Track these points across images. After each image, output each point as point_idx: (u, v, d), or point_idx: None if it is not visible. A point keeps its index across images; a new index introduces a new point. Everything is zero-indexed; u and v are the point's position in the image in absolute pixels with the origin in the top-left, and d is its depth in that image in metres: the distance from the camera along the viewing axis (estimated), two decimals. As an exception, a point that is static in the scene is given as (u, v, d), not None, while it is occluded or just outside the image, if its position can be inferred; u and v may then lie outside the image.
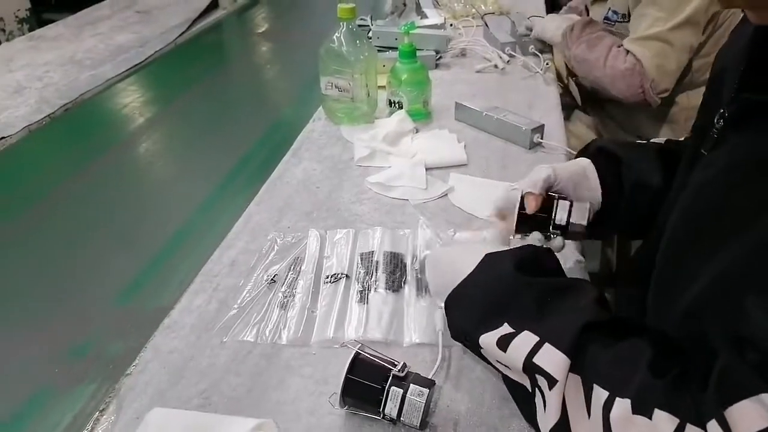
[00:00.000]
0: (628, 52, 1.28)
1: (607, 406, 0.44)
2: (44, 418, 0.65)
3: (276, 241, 0.83)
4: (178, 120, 1.47)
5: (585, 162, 0.71)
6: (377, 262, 0.78)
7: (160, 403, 0.60)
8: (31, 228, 1.01)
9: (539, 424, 0.50)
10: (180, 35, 1.97)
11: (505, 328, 0.51)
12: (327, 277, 0.76)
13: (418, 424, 0.55)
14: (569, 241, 0.74)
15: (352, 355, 0.57)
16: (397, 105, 1.16)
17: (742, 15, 0.57)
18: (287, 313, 0.70)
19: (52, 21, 2.16)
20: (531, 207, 0.65)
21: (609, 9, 1.42)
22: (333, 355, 0.65)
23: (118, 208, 1.09)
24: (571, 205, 0.65)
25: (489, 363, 0.56)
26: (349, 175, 1.01)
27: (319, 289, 0.74)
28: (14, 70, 1.64)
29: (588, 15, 1.58)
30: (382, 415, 0.56)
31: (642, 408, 0.43)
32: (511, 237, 0.68)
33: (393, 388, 0.55)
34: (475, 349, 0.55)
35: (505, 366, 0.52)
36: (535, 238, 0.66)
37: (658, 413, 0.42)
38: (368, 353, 0.58)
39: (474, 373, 0.62)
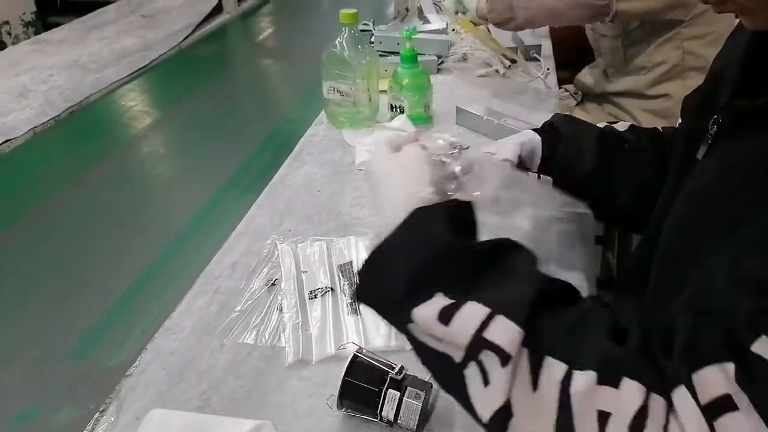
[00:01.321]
0: None
1: (566, 381, 0.41)
2: (44, 419, 0.66)
3: (276, 244, 0.84)
4: (181, 123, 1.48)
5: (535, 136, 0.79)
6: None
7: (159, 404, 0.60)
8: (35, 229, 1.02)
9: (474, 403, 0.43)
10: (184, 39, 1.99)
11: (441, 299, 0.44)
12: (311, 293, 0.75)
13: (415, 427, 0.55)
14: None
15: (350, 358, 0.58)
16: (398, 109, 1.17)
17: (737, 20, 0.58)
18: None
19: (57, 24, 2.18)
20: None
21: None
22: (331, 358, 0.66)
23: (121, 210, 1.09)
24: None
25: (408, 337, 0.47)
26: (350, 179, 1.02)
27: (306, 305, 0.73)
28: (19, 74, 1.65)
29: None
30: (379, 418, 0.56)
31: (608, 378, 0.40)
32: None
33: (390, 390, 0.56)
34: (399, 322, 0.47)
35: (436, 339, 0.44)
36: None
37: (626, 382, 0.40)
38: (366, 356, 0.59)
39: (471, 377, 0.63)
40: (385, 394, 0.56)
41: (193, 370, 0.65)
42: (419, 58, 1.16)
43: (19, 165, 1.23)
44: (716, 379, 0.38)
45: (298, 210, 0.93)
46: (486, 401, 0.42)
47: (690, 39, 1.29)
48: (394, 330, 0.58)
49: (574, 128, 0.79)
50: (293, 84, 1.74)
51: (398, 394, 0.56)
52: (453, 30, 1.68)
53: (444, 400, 0.60)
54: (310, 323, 0.70)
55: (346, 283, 0.76)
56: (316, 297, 0.74)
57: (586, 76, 1.59)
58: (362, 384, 0.56)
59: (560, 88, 1.54)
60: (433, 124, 1.20)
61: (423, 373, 0.61)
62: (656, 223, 0.62)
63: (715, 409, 0.37)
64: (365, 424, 0.58)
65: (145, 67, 1.76)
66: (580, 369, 0.41)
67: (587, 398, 0.40)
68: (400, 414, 0.55)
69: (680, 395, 0.39)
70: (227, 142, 1.34)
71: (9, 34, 3.19)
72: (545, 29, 1.71)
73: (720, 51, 0.63)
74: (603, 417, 0.39)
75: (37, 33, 3.07)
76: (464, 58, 1.53)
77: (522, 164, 0.75)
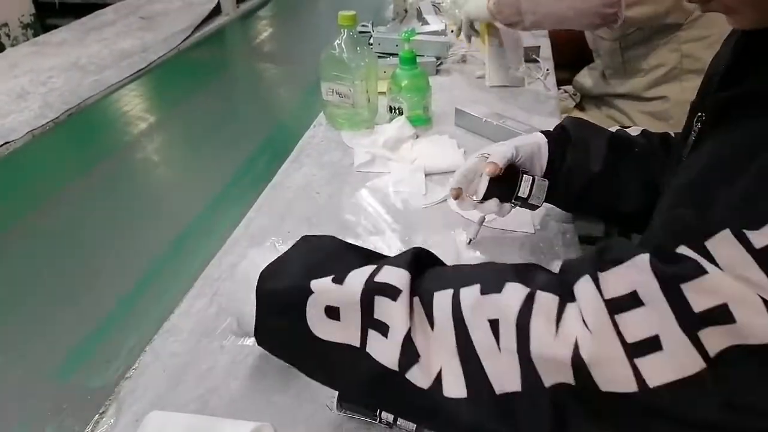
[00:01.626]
0: None
1: (455, 303, 0.44)
2: (43, 421, 0.66)
3: (275, 246, 0.84)
4: (180, 125, 1.48)
5: (540, 138, 0.78)
6: None
7: (158, 406, 0.60)
8: (35, 232, 1.02)
9: (377, 357, 0.45)
10: (183, 41, 1.99)
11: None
12: None
13: (414, 428, 0.55)
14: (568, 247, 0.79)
15: (349, 360, 0.58)
16: (397, 111, 1.17)
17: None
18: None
19: (56, 26, 2.18)
20: (489, 171, 0.72)
21: None
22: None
23: (120, 211, 1.09)
24: (533, 182, 0.74)
25: (305, 337, 0.48)
26: (349, 181, 1.02)
27: None
28: (18, 76, 1.65)
29: None
30: (378, 419, 0.56)
31: (490, 287, 0.43)
32: (474, 198, 0.76)
33: (390, 392, 0.56)
34: (299, 304, 0.48)
35: (332, 314, 0.47)
36: (491, 204, 0.75)
37: (507, 285, 0.43)
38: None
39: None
40: (385, 395, 0.56)
41: (192, 372, 0.65)
42: (418, 60, 1.16)
43: (19, 167, 1.23)
44: (621, 274, 0.40)
45: (297, 211, 0.93)
46: (389, 349, 0.45)
47: (688, 42, 1.29)
48: None
49: (585, 132, 0.79)
50: (292, 85, 1.74)
51: (397, 395, 0.56)
52: (452, 31, 1.68)
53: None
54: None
55: None
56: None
57: (585, 77, 1.59)
58: (362, 385, 0.56)
59: (559, 89, 1.54)
60: (432, 125, 1.20)
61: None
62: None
63: (617, 304, 0.39)
64: (364, 426, 0.58)
65: (144, 68, 1.76)
66: (465, 287, 0.44)
67: (476, 310, 0.43)
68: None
69: (582, 286, 0.41)
70: (226, 143, 1.34)
71: (8, 35, 3.20)
72: (544, 30, 1.72)
73: (716, 53, 0.63)
74: (494, 324, 0.42)
75: (35, 35, 3.07)
76: (463, 60, 1.54)
77: (513, 167, 0.74)
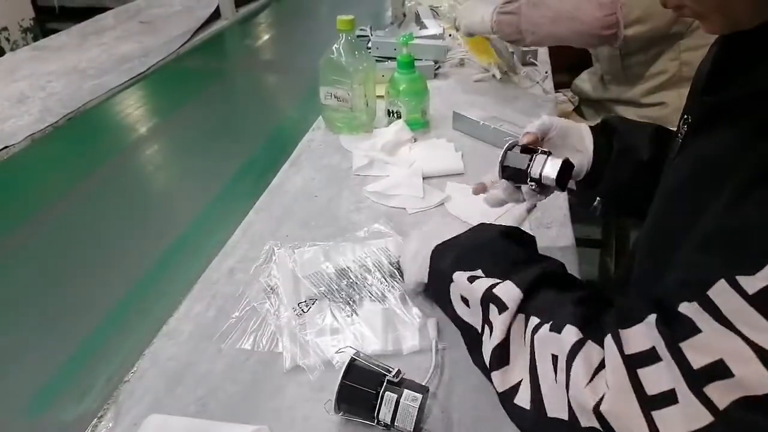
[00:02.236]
0: None
1: (535, 330, 0.52)
2: (42, 424, 0.66)
3: (274, 250, 0.84)
4: (179, 129, 1.48)
5: (584, 126, 0.78)
6: (356, 275, 0.78)
7: (157, 409, 0.61)
8: (35, 236, 1.02)
9: (483, 351, 0.56)
10: (182, 45, 1.99)
11: (478, 273, 0.59)
12: (308, 298, 0.75)
13: (412, 429, 0.56)
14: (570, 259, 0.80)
15: (347, 362, 0.58)
16: (395, 114, 1.18)
17: None
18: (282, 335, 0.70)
19: (56, 30, 2.18)
20: (524, 140, 0.73)
21: None
22: (328, 363, 0.66)
23: (120, 215, 1.10)
24: (545, 160, 0.70)
25: (449, 305, 0.62)
26: (347, 184, 1.02)
27: (304, 310, 0.73)
28: (18, 80, 1.66)
29: None
30: (376, 421, 0.57)
31: (556, 327, 0.50)
32: (492, 181, 0.78)
33: (387, 393, 0.56)
34: (445, 286, 0.62)
35: (465, 302, 0.60)
36: (505, 185, 0.74)
37: (567, 328, 0.49)
38: (363, 360, 0.59)
39: (467, 381, 0.63)
40: (382, 396, 0.56)
41: (190, 376, 0.65)
42: (416, 63, 1.16)
43: (18, 172, 1.24)
44: (642, 332, 0.44)
45: (296, 215, 0.94)
46: (487, 348, 0.55)
47: (688, 50, 1.30)
48: (391, 334, 0.64)
49: (628, 123, 0.80)
50: (291, 89, 1.74)
51: (395, 396, 0.56)
52: (450, 35, 1.69)
53: (440, 403, 0.61)
54: (308, 328, 0.71)
55: (344, 286, 0.76)
56: (314, 302, 0.74)
57: (584, 81, 1.60)
58: (359, 387, 0.57)
59: (557, 92, 1.54)
60: (430, 129, 1.20)
61: (420, 377, 0.61)
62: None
63: (638, 359, 0.43)
64: (362, 428, 0.58)
65: (143, 73, 1.76)
66: (545, 322, 0.51)
67: (542, 343, 0.51)
68: (397, 417, 0.56)
69: (607, 345, 0.46)
70: (225, 147, 1.34)
71: (7, 40, 3.21)
72: None
73: (703, 59, 0.64)
74: (554, 359, 0.49)
75: (35, 39, 3.09)
76: (461, 63, 1.54)
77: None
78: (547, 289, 0.55)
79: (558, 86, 1.65)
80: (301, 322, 0.71)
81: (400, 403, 0.56)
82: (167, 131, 1.46)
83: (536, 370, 0.50)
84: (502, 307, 0.54)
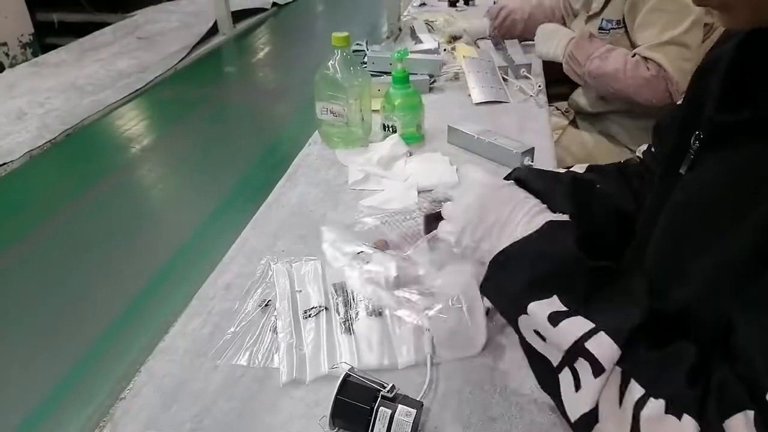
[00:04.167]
0: (646, 59, 1.31)
1: (640, 404, 0.45)
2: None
3: (270, 265, 0.84)
4: (176, 145, 1.49)
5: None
6: (352, 290, 0.78)
7: (153, 427, 0.61)
8: (32, 252, 1.02)
9: (565, 403, 0.50)
10: (180, 61, 2.01)
11: (555, 302, 0.51)
12: (305, 312, 0.75)
13: (407, 446, 0.56)
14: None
15: (341, 377, 0.59)
16: (391, 129, 1.19)
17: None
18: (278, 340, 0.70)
19: (55, 45, 2.21)
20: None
21: (602, 19, 1.46)
22: (323, 379, 0.66)
23: (117, 231, 1.10)
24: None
25: (515, 327, 0.54)
26: (343, 198, 1.03)
27: (300, 325, 0.73)
28: (16, 96, 1.67)
29: (566, 25, 1.63)
30: (371, 437, 0.57)
31: (674, 410, 0.44)
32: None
33: (381, 408, 0.56)
34: (514, 313, 0.54)
35: (541, 337, 0.51)
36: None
37: (686, 417, 0.44)
38: (358, 375, 0.60)
39: (461, 395, 0.63)
40: (377, 412, 0.56)
41: (186, 393, 0.65)
42: (411, 78, 1.17)
43: (16, 188, 1.24)
44: (741, 426, 0.41)
45: (292, 230, 0.94)
46: (575, 404, 0.49)
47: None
48: (386, 349, 0.63)
49: (543, 180, 0.71)
50: (287, 104, 1.76)
51: (389, 412, 0.56)
52: (444, 50, 1.70)
53: (434, 419, 0.61)
54: (304, 343, 0.71)
55: (340, 301, 0.77)
56: (310, 316, 0.75)
57: (581, 96, 1.61)
58: (354, 402, 0.57)
59: (551, 105, 1.56)
60: (425, 142, 1.21)
61: (414, 392, 0.61)
62: (641, 239, 0.63)
63: None
64: (357, 444, 0.58)
65: (141, 89, 1.78)
66: (655, 396, 0.45)
67: (654, 423, 0.45)
68: (392, 432, 0.56)
69: None
70: (222, 162, 1.35)
71: (7, 55, 3.23)
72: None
73: (701, 65, 0.63)
74: None
75: (35, 54, 3.11)
76: (456, 77, 1.56)
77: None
78: (647, 347, 0.48)
79: (556, 98, 1.66)
80: (298, 337, 0.71)
81: (395, 419, 0.56)
82: (164, 148, 1.47)
83: None
84: (597, 369, 0.47)
